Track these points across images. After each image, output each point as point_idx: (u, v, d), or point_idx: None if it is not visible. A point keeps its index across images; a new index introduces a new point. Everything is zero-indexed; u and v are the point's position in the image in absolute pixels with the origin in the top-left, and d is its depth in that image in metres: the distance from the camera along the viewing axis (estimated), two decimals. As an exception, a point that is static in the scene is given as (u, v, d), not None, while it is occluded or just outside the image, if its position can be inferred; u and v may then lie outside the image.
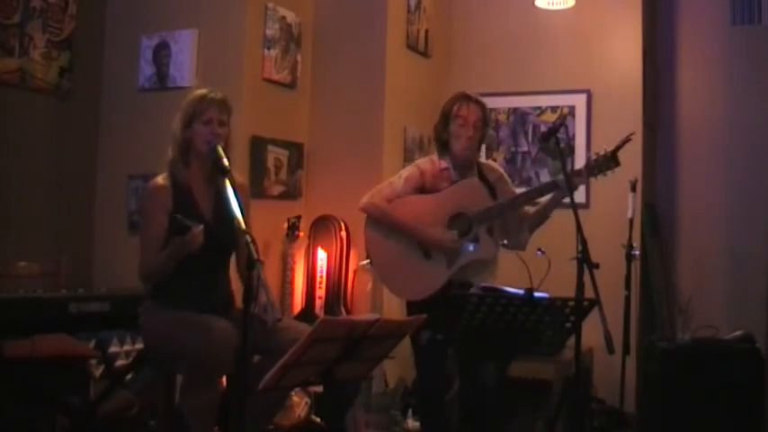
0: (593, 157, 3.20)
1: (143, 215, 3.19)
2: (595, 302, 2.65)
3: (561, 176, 3.20)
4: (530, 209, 3.45)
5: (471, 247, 3.32)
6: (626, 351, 4.02)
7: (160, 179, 3.00)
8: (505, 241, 3.36)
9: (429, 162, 3.50)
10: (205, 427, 2.80)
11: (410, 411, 4.24)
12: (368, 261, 3.55)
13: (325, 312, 4.53)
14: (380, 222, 3.41)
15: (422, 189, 3.44)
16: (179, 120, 3.00)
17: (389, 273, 3.44)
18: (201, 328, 2.77)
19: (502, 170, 3.63)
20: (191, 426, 2.77)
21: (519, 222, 3.44)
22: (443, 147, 3.45)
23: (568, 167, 3.24)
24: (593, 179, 3.25)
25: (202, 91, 3.04)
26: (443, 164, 3.45)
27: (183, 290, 2.91)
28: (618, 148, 3.15)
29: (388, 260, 3.42)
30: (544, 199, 3.38)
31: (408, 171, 3.49)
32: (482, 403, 3.32)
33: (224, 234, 2.91)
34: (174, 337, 2.85)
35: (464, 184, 3.41)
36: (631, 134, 3.16)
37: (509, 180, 3.61)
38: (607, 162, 3.16)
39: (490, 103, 3.59)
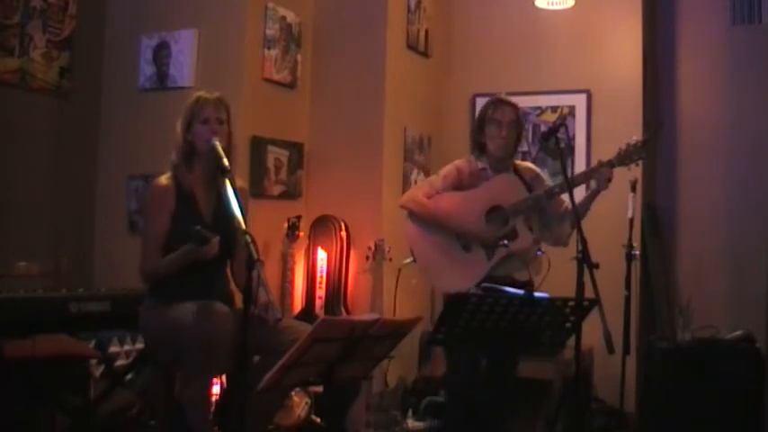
0: (624, 146, 3.29)
1: (145, 214, 3.21)
2: (595, 302, 2.65)
3: (596, 167, 3.33)
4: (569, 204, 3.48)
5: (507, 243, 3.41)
6: (626, 351, 4.02)
7: (163, 179, 3.02)
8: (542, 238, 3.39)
9: (467, 162, 3.60)
10: (201, 418, 2.80)
11: (410, 411, 4.24)
12: (411, 259, 3.62)
13: (326, 312, 4.53)
14: (420, 217, 3.52)
15: (460, 187, 3.54)
16: (179, 124, 3.05)
17: (430, 266, 3.55)
18: (198, 307, 2.80)
19: (538, 170, 3.71)
20: (187, 416, 2.78)
21: (560, 217, 3.51)
22: (480, 149, 3.57)
23: (568, 167, 3.26)
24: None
25: (198, 93, 3.11)
26: (480, 164, 3.56)
27: (182, 290, 2.91)
28: (649, 137, 3.25)
29: (428, 254, 3.52)
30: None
31: (446, 169, 3.61)
32: (486, 401, 3.34)
33: (224, 236, 2.92)
34: (173, 331, 2.84)
35: (500, 178, 3.52)
36: (660, 123, 3.28)
37: (546, 178, 3.71)
38: (638, 151, 3.26)
39: (490, 103, 3.63)
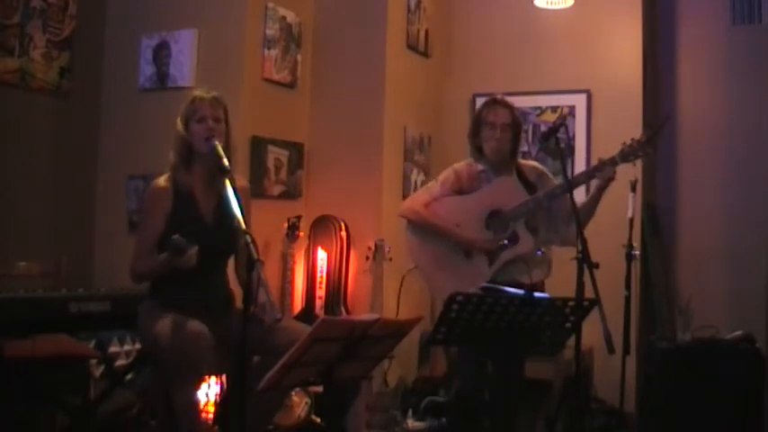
0: (627, 143, 3.23)
1: (142, 214, 3.21)
2: (595, 302, 2.65)
3: (598, 165, 3.25)
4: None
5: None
6: (626, 351, 4.02)
7: (162, 180, 3.02)
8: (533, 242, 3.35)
9: (466, 165, 3.57)
10: (192, 423, 2.79)
11: (410, 411, 4.24)
12: (414, 266, 3.62)
13: (326, 312, 4.53)
14: (419, 227, 3.50)
15: (459, 191, 3.52)
16: (178, 123, 3.03)
17: (433, 274, 3.52)
18: (174, 328, 2.77)
19: (543, 168, 3.64)
20: (179, 422, 2.78)
21: (567, 217, 3.41)
22: (478, 151, 3.52)
23: (568, 167, 3.24)
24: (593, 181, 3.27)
25: (195, 91, 3.09)
26: (480, 167, 3.52)
27: (181, 290, 2.91)
28: (656, 132, 3.21)
29: (430, 262, 3.50)
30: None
31: (444, 174, 3.59)
32: (497, 403, 3.33)
33: (224, 237, 2.91)
34: (155, 346, 2.84)
35: (498, 182, 3.47)
36: (666, 117, 3.22)
37: (551, 175, 3.61)
38: (642, 147, 3.20)
39: (490, 102, 3.61)
